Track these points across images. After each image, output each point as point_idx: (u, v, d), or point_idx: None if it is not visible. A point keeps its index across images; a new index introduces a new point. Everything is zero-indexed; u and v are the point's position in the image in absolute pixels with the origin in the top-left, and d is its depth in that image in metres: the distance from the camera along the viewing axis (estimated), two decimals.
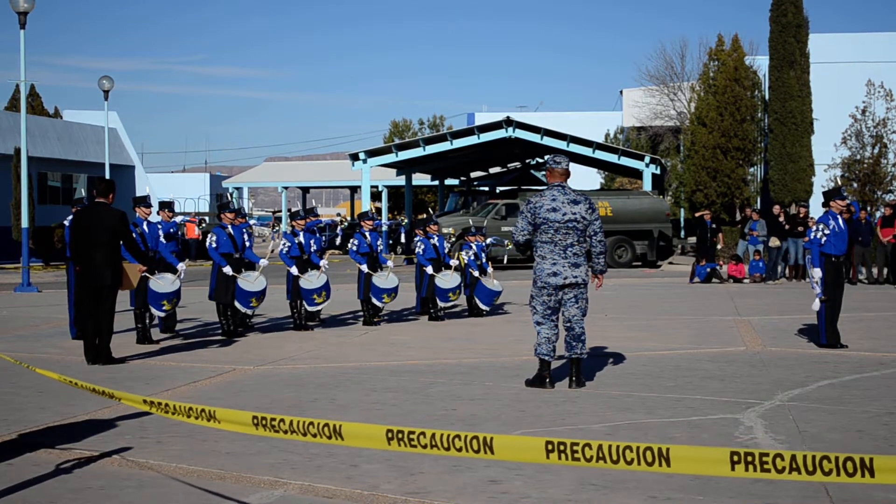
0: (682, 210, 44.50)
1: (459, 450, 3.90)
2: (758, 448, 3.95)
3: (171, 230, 13.05)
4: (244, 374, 9.93)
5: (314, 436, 4.20)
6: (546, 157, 10.05)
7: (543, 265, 8.80)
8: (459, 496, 5.44)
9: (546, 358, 8.83)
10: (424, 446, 3.95)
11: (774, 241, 24.11)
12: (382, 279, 14.23)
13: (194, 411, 4.51)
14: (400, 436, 4.02)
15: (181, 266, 12.56)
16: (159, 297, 11.91)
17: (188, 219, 40.98)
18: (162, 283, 11.95)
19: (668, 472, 3.87)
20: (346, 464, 6.14)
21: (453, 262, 15.56)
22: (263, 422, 4.35)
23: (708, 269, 24.09)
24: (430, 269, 15.04)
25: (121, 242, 10.77)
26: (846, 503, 5.26)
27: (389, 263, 14.80)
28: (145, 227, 12.47)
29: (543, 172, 56.17)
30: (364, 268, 14.22)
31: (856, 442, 6.62)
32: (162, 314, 12.30)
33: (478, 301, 15.54)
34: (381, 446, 4.11)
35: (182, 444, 6.67)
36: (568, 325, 8.85)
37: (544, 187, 9.31)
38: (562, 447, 3.91)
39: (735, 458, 3.63)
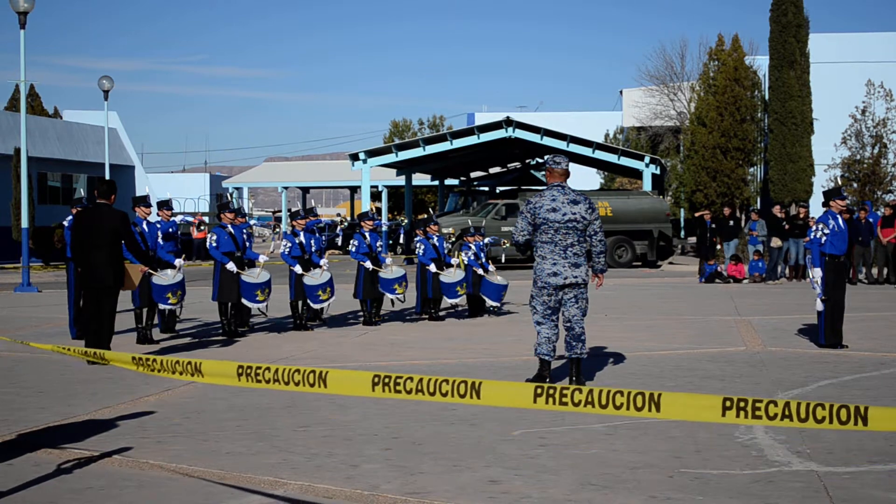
0: (682, 210, 44.51)
1: (445, 394, 3.94)
2: (751, 397, 3.95)
3: (171, 230, 13.06)
4: None
5: (297, 384, 4.24)
6: (546, 158, 10.10)
7: (543, 265, 8.80)
8: (459, 496, 5.44)
9: (546, 358, 8.83)
10: (410, 391, 3.98)
11: (776, 242, 24.11)
12: (388, 272, 14.30)
13: (180, 365, 4.55)
14: (387, 380, 4.06)
15: (178, 261, 12.59)
16: (164, 289, 11.96)
17: (190, 219, 41.01)
18: (165, 277, 12.02)
19: (659, 417, 3.85)
20: (346, 464, 6.14)
21: (454, 261, 15.57)
22: (248, 371, 4.40)
23: (716, 269, 24.09)
24: (433, 267, 15.05)
25: (122, 243, 10.78)
26: (846, 503, 5.26)
27: (388, 260, 14.83)
28: (145, 226, 12.48)
29: (543, 172, 56.29)
30: (368, 264, 14.24)
31: (856, 442, 6.62)
32: (169, 307, 12.33)
33: (486, 298, 15.54)
34: (366, 393, 4.13)
35: (182, 444, 6.67)
36: (568, 324, 8.85)
37: (544, 187, 9.32)
38: (551, 391, 3.91)
39: (727, 403, 3.62)
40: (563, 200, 8.81)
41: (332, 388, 4.17)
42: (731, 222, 25.01)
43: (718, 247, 25.95)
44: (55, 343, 12.42)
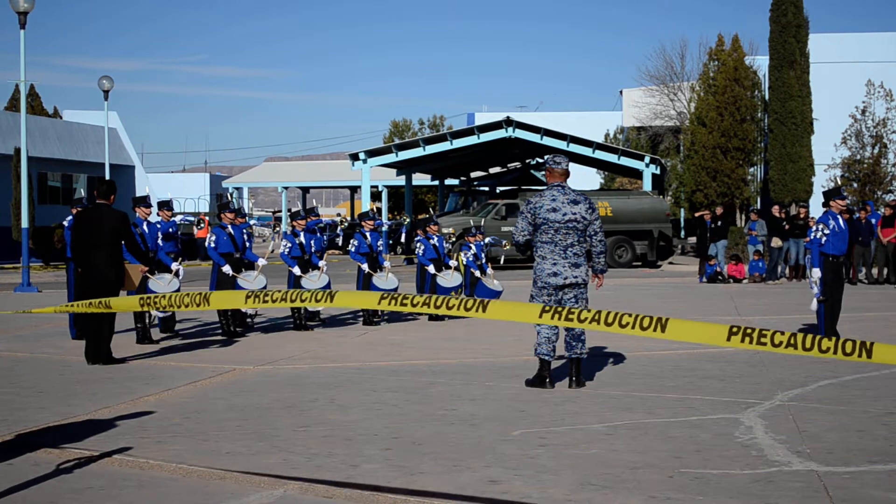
0: (682, 210, 44.50)
1: (451, 307, 4.22)
2: (756, 327, 4.00)
3: (171, 230, 13.06)
4: (244, 374, 9.93)
5: (304, 300, 4.62)
6: (546, 158, 10.11)
7: (544, 265, 8.81)
8: (459, 496, 5.44)
9: (546, 358, 8.84)
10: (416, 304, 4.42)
11: (776, 242, 24.13)
12: (382, 280, 14.25)
13: (188, 297, 4.75)
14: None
15: (175, 266, 12.57)
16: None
17: (191, 219, 41.01)
18: (161, 283, 11.96)
19: (663, 338, 3.96)
20: (346, 464, 6.14)
21: (452, 263, 15.57)
22: (256, 295, 4.77)
23: (716, 269, 24.08)
24: (431, 269, 15.05)
25: (122, 243, 10.78)
26: (846, 503, 5.26)
27: (387, 264, 14.82)
28: (145, 227, 12.48)
29: (543, 172, 56.28)
30: (365, 267, 14.23)
31: (856, 442, 6.62)
32: (162, 314, 12.30)
33: None
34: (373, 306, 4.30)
35: (182, 444, 6.67)
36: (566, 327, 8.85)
37: (544, 187, 9.32)
38: (559, 309, 4.23)
39: (734, 329, 3.68)
40: (563, 200, 8.81)
41: (339, 302, 4.58)
42: (721, 222, 25.00)
43: None
44: (55, 343, 12.45)
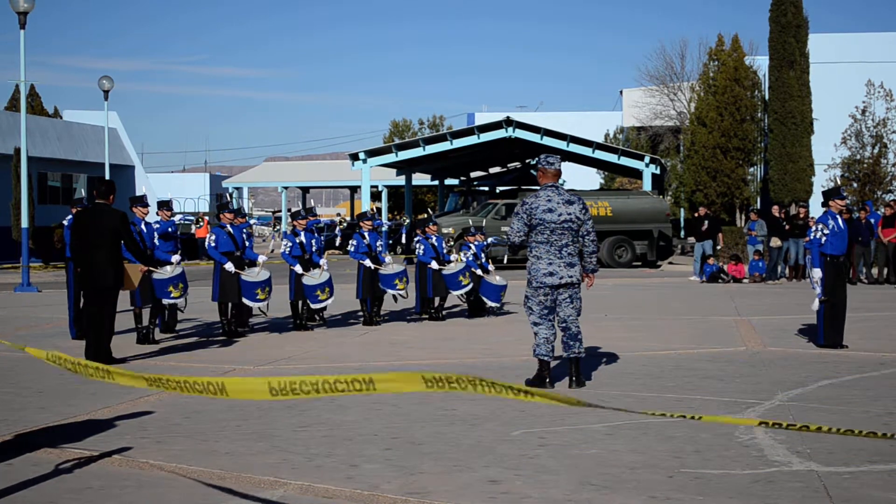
0: (682, 210, 44.50)
1: (342, 390, 4.07)
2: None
3: (170, 230, 13.06)
4: (244, 374, 9.93)
5: (200, 391, 4.35)
6: (539, 158, 10.10)
7: (539, 265, 8.83)
8: (459, 496, 5.44)
9: (545, 358, 8.84)
10: (307, 392, 4.06)
11: (776, 242, 24.14)
12: (388, 269, 14.31)
13: (200, 384, 4.62)
14: (282, 386, 4.15)
15: (175, 258, 12.60)
16: (165, 283, 11.96)
17: (191, 219, 41.00)
18: (164, 273, 12.04)
19: (374, 392, 4.05)
20: (346, 464, 6.14)
21: (454, 257, 15.61)
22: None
23: (716, 269, 24.08)
24: (434, 265, 15.05)
25: (122, 243, 10.79)
26: (846, 503, 5.26)
27: (388, 259, 14.84)
28: (143, 227, 12.48)
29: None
30: (368, 262, 14.24)
31: (856, 442, 6.61)
32: (172, 301, 12.33)
33: (485, 299, 15.55)
34: (265, 397, 4.22)
35: (182, 444, 6.67)
36: (564, 325, 8.88)
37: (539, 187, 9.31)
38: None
39: (429, 377, 3.73)
40: (558, 201, 8.83)
41: (381, 387, 4.28)
42: (707, 222, 25.03)
43: (719, 246, 25.95)
44: (55, 343, 12.44)
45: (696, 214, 25.74)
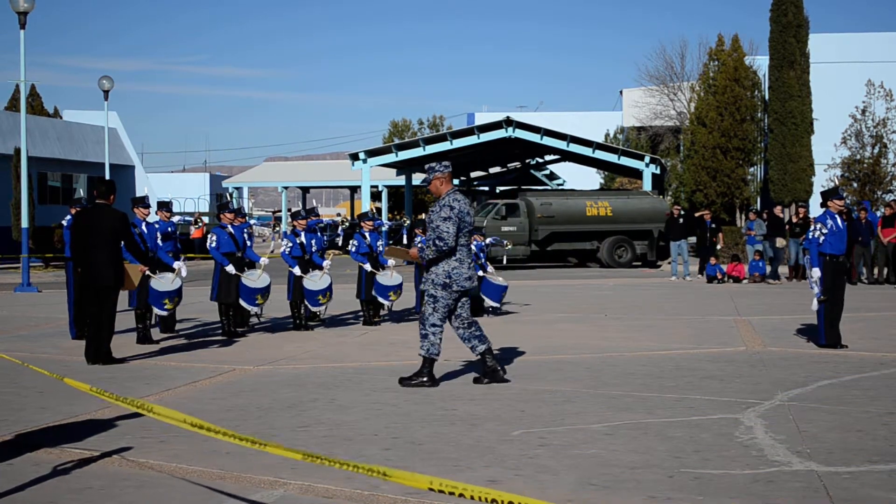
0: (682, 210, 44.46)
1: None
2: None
3: (169, 230, 13.06)
4: (244, 374, 9.93)
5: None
6: (434, 165, 9.88)
7: (462, 270, 9.00)
8: (459, 496, 5.43)
9: (437, 357, 9.07)
10: (469, 495, 3.90)
11: (781, 242, 24.20)
12: (386, 277, 14.28)
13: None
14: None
15: (177, 264, 12.57)
16: (161, 295, 11.93)
17: (189, 219, 40.97)
18: (163, 281, 11.98)
19: None
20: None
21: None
22: None
23: (718, 271, 24.06)
24: None
25: (122, 243, 10.79)
26: (846, 503, 5.26)
27: (390, 262, 14.82)
28: (143, 227, 12.48)
29: (544, 173, 56.36)
30: (367, 267, 14.23)
31: (856, 442, 6.62)
32: (164, 313, 12.31)
33: (487, 299, 15.54)
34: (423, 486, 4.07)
35: (182, 444, 6.67)
36: (466, 322, 9.07)
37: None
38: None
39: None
40: (467, 203, 9.11)
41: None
42: (682, 220, 25.04)
43: (719, 246, 25.95)
44: (55, 343, 12.44)
45: (672, 213, 25.72)
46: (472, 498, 3.69)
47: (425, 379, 8.99)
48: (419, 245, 9.51)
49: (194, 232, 39.23)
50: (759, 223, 24.84)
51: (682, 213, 25.58)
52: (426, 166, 9.34)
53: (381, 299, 14.33)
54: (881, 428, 7.07)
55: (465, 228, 9.00)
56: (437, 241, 8.87)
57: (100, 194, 10.84)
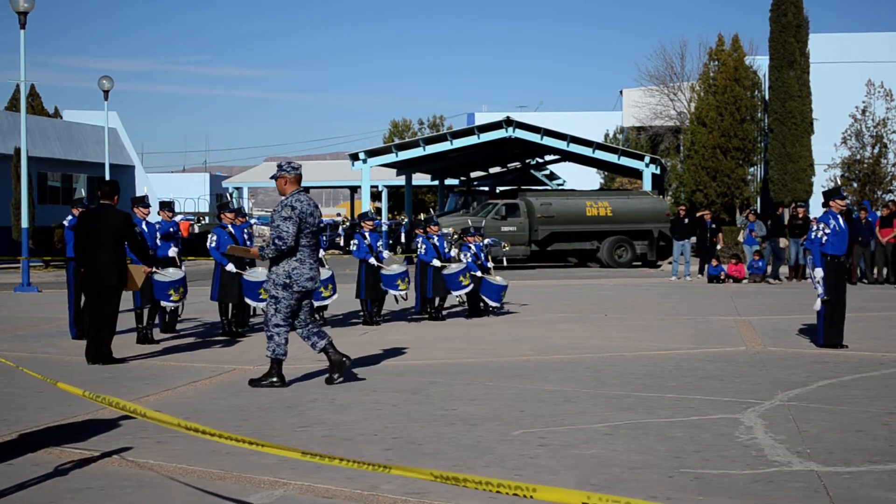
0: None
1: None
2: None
3: (171, 230, 13.07)
4: (244, 374, 9.93)
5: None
6: (283, 164, 9.93)
7: (303, 270, 8.96)
8: (459, 496, 5.43)
9: (284, 358, 9.11)
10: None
11: (783, 242, 24.22)
12: (390, 269, 14.36)
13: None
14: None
15: (172, 250, 12.67)
16: (166, 286, 11.98)
17: (191, 218, 40.97)
18: (167, 275, 12.06)
19: None
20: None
21: (453, 253, 15.63)
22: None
23: (720, 272, 24.05)
24: (437, 262, 15.07)
25: (125, 244, 10.80)
26: (846, 503, 5.26)
27: (387, 254, 14.88)
28: (144, 227, 12.49)
29: (544, 173, 56.34)
30: (372, 260, 14.29)
31: (856, 442, 6.62)
32: (172, 305, 12.36)
33: (486, 299, 15.55)
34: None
35: (182, 444, 6.67)
36: (304, 322, 9.14)
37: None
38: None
39: None
40: (312, 205, 9.06)
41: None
42: (687, 220, 25.05)
43: (719, 246, 25.95)
44: (55, 343, 12.44)
45: (679, 213, 25.74)
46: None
47: (275, 380, 9.03)
48: (261, 244, 9.49)
49: (180, 224, 39.24)
50: (759, 224, 24.84)
51: (686, 213, 25.57)
52: (276, 164, 9.39)
53: (391, 291, 14.41)
54: (881, 428, 7.07)
55: (308, 229, 8.91)
56: (276, 241, 8.84)
57: (104, 195, 10.85)
